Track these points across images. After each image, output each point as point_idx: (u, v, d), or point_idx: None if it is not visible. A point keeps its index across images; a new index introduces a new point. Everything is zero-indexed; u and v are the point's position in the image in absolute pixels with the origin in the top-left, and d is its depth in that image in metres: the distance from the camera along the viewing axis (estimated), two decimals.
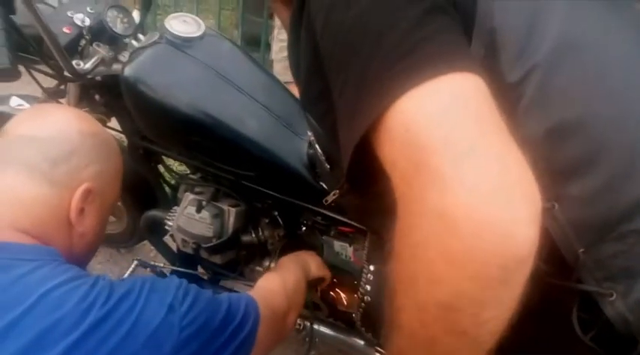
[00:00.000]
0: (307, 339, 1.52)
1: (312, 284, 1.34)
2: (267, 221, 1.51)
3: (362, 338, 1.45)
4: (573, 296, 0.58)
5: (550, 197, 0.54)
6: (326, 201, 0.84)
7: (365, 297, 1.32)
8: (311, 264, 1.33)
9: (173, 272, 1.69)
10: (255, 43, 3.13)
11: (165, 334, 0.65)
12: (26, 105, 1.67)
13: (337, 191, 0.78)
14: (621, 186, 0.55)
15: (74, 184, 0.77)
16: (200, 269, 1.71)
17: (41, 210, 0.74)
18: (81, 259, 0.82)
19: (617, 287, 0.56)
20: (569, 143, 0.54)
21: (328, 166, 0.78)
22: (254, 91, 1.31)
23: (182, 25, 1.28)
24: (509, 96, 0.54)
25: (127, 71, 1.22)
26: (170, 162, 1.70)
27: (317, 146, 0.78)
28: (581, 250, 0.56)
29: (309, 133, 0.77)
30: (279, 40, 2.28)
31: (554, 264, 0.57)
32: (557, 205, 0.55)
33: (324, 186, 1.00)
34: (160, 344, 0.64)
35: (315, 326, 1.53)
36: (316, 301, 1.49)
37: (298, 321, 1.54)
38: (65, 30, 1.34)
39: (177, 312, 0.68)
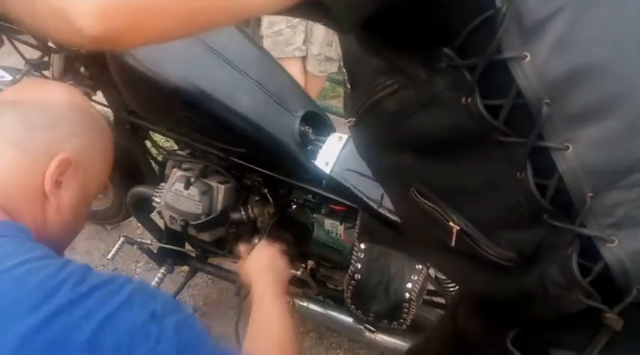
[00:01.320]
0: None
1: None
2: (256, 198, 1.49)
3: (351, 315, 1.46)
4: (574, 240, 0.58)
5: (565, 139, 0.55)
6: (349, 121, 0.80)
7: (355, 275, 1.32)
8: (283, 273, 1.13)
9: (160, 249, 1.68)
10: None
11: (139, 341, 0.56)
12: (8, 77, 1.62)
13: (353, 119, 0.76)
14: (637, 134, 0.55)
15: (53, 153, 0.70)
16: (188, 247, 1.69)
17: (13, 178, 0.68)
18: (56, 239, 0.74)
19: (619, 234, 0.56)
20: (592, 85, 0.54)
21: (349, 86, 0.75)
22: (246, 67, 1.28)
23: None
24: (535, 34, 0.54)
25: None
26: (157, 137, 1.67)
27: (341, 62, 0.76)
28: (590, 194, 0.56)
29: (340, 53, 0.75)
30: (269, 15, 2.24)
31: (560, 207, 0.58)
32: (571, 147, 0.55)
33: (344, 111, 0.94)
34: (130, 348, 0.55)
35: (305, 304, 1.53)
36: (305, 278, 1.49)
37: (287, 298, 1.54)
38: None
39: (159, 323, 0.58)
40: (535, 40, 0.54)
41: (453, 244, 0.68)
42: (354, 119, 0.75)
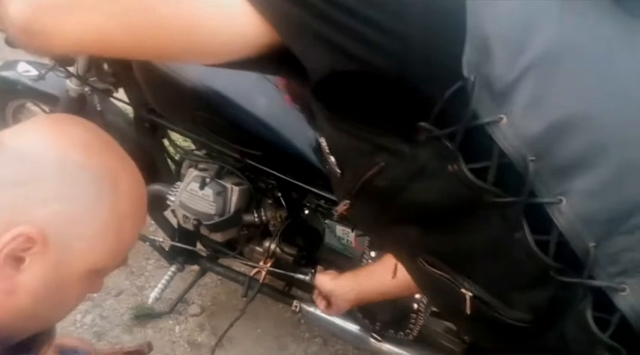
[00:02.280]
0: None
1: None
2: (270, 201, 1.50)
3: (357, 323, 1.46)
4: (586, 294, 0.58)
5: (557, 192, 0.56)
6: (336, 211, 0.80)
7: None
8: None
9: (172, 247, 1.69)
10: None
11: None
12: (33, 72, 1.65)
13: (348, 201, 0.75)
14: (629, 179, 0.55)
15: (14, 221, 0.54)
16: (199, 246, 1.70)
17: None
18: (8, 330, 0.59)
19: (629, 281, 0.56)
20: (573, 138, 0.55)
21: (339, 171, 0.74)
22: None
23: None
24: (507, 96, 0.55)
25: None
26: (175, 136, 1.69)
27: (327, 151, 0.76)
28: (592, 244, 0.56)
29: (321, 139, 0.75)
30: None
31: (565, 261, 0.57)
32: (565, 200, 0.56)
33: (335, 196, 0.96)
34: None
35: (312, 309, 1.53)
36: (314, 284, 1.50)
37: (295, 303, 1.55)
38: None
39: None
40: (508, 103, 0.55)
41: (468, 312, 0.68)
42: (348, 202, 0.75)
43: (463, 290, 0.67)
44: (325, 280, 1.20)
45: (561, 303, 0.60)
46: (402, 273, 0.93)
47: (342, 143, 0.69)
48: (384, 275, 1.03)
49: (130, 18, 0.53)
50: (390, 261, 1.04)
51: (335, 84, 0.57)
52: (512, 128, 0.55)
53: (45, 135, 0.59)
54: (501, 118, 0.55)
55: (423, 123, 0.57)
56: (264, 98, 1.26)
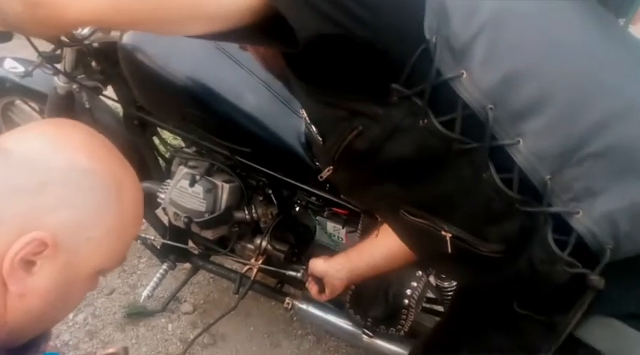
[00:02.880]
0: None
1: None
2: (260, 198, 1.50)
3: (350, 319, 1.46)
4: (547, 220, 0.66)
5: (514, 135, 0.64)
6: (321, 177, 0.86)
7: None
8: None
9: (164, 245, 1.68)
10: None
11: None
12: (20, 68, 1.64)
13: (331, 167, 0.81)
14: (573, 118, 0.64)
15: (27, 228, 0.56)
16: (191, 244, 1.70)
17: None
18: (17, 333, 0.61)
19: (582, 205, 0.65)
20: (523, 86, 0.63)
21: (321, 139, 0.80)
22: (255, 67, 1.28)
23: None
24: (465, 54, 0.63)
25: (126, 39, 1.20)
26: (165, 134, 1.68)
27: (308, 120, 0.80)
28: (548, 177, 0.65)
29: (301, 111, 0.79)
30: None
31: (527, 194, 0.66)
32: (522, 141, 0.64)
33: (319, 164, 1.01)
34: None
35: (304, 306, 1.53)
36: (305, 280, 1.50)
37: (287, 300, 1.55)
38: None
39: None
40: (466, 59, 0.63)
41: (450, 251, 0.75)
42: (332, 167, 0.82)
43: (443, 233, 0.75)
44: (318, 262, 1.22)
45: (527, 231, 0.68)
46: (388, 244, 1.04)
47: (321, 113, 0.77)
48: (373, 248, 1.11)
49: None
50: (377, 236, 1.11)
51: (314, 51, 0.63)
52: (472, 82, 0.63)
53: (51, 142, 0.60)
54: (462, 73, 0.63)
55: (394, 85, 0.65)
56: (253, 95, 1.26)
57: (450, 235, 0.74)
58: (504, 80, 0.63)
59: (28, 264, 0.57)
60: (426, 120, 0.66)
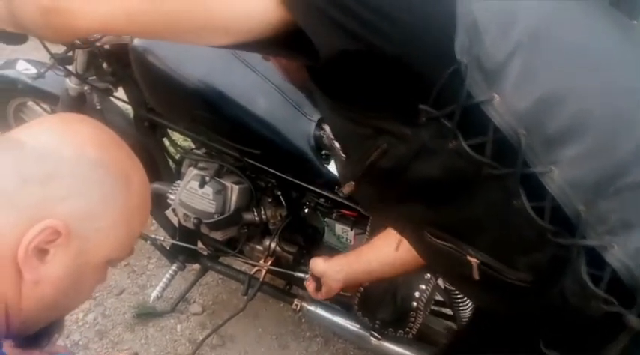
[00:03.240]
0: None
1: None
2: (269, 200, 1.50)
3: (358, 321, 1.46)
4: (580, 253, 0.62)
5: (548, 161, 0.61)
6: (342, 192, 0.84)
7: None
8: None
9: (173, 246, 1.69)
10: None
11: None
12: (33, 70, 1.65)
13: (353, 182, 0.79)
14: (610, 147, 0.61)
15: (41, 216, 0.58)
16: (200, 245, 1.71)
17: None
18: (31, 321, 0.63)
19: (617, 239, 0.60)
20: (558, 111, 0.60)
21: (344, 155, 0.78)
22: (267, 70, 1.29)
23: None
24: (497, 76, 0.60)
25: (137, 41, 1.21)
26: (175, 136, 1.69)
27: (332, 136, 0.79)
28: (582, 208, 0.60)
29: (325, 126, 0.79)
30: None
31: (559, 224, 0.62)
32: (555, 169, 0.60)
33: (340, 179, 1.00)
34: None
35: (312, 308, 1.53)
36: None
37: (295, 301, 1.55)
38: None
39: None
40: (499, 82, 0.60)
41: (477, 277, 0.72)
42: (353, 183, 0.80)
43: (469, 258, 0.71)
44: (319, 262, 1.24)
45: (559, 263, 0.64)
46: (385, 252, 1.04)
47: (345, 128, 0.74)
48: (371, 254, 1.12)
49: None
50: (377, 241, 1.12)
51: (338, 67, 0.61)
52: (505, 105, 0.60)
53: (61, 135, 0.63)
54: (494, 97, 0.60)
55: (422, 106, 0.62)
56: (263, 97, 1.26)
57: (477, 261, 0.71)
58: (539, 103, 0.60)
59: (41, 252, 0.59)
60: (454, 142, 0.63)
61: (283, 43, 0.62)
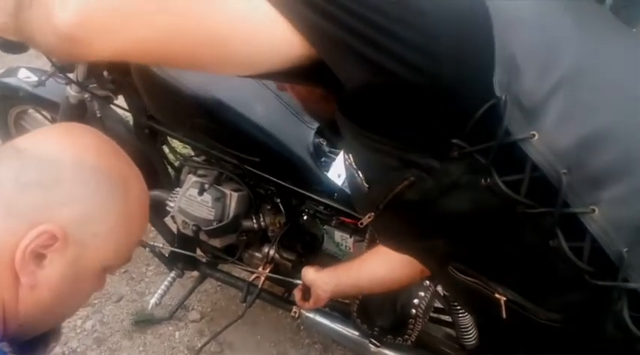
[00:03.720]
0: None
1: None
2: (268, 207, 1.50)
3: (357, 329, 1.46)
4: (621, 295, 0.59)
5: (589, 202, 0.58)
6: (361, 224, 0.83)
7: None
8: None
9: (172, 253, 1.69)
10: None
11: None
12: (34, 78, 1.66)
13: (372, 213, 0.76)
14: None
15: (38, 220, 0.58)
16: (198, 252, 1.71)
17: None
18: (28, 324, 0.63)
19: None
20: (602, 150, 0.58)
21: (367, 186, 0.75)
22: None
23: None
24: (537, 113, 0.57)
25: None
26: (175, 143, 1.70)
27: (354, 167, 0.76)
28: (625, 249, 0.58)
29: (347, 155, 0.76)
30: None
31: (599, 265, 0.59)
32: (597, 209, 0.58)
33: (358, 209, 0.98)
34: None
35: (311, 315, 1.53)
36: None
37: (294, 309, 1.55)
38: None
39: None
40: (539, 119, 0.57)
41: (504, 315, 0.70)
42: (372, 214, 0.76)
43: (497, 295, 0.69)
44: (310, 271, 1.25)
45: (595, 304, 0.62)
46: (373, 270, 1.05)
47: (371, 159, 0.71)
48: (360, 271, 1.12)
49: (173, 32, 0.53)
50: (369, 256, 1.12)
51: (366, 98, 0.59)
52: (545, 143, 0.57)
53: (62, 142, 0.64)
54: (534, 135, 0.57)
55: (455, 140, 0.59)
56: (263, 105, 1.27)
57: (505, 299, 0.69)
58: (582, 142, 0.58)
59: (38, 257, 0.59)
60: (488, 180, 0.60)
61: (306, 73, 0.60)
